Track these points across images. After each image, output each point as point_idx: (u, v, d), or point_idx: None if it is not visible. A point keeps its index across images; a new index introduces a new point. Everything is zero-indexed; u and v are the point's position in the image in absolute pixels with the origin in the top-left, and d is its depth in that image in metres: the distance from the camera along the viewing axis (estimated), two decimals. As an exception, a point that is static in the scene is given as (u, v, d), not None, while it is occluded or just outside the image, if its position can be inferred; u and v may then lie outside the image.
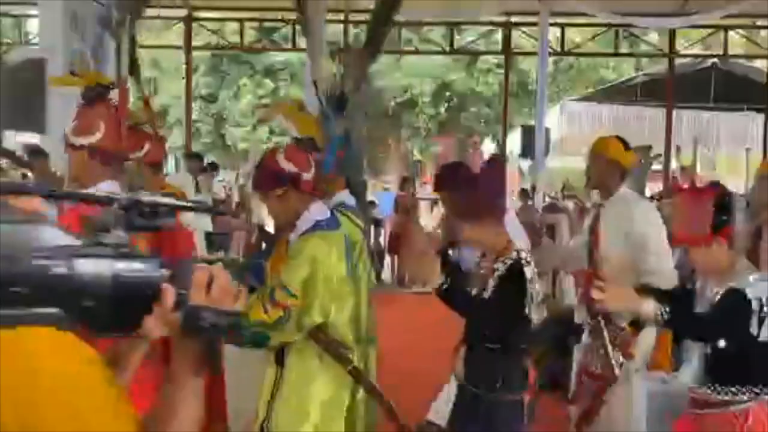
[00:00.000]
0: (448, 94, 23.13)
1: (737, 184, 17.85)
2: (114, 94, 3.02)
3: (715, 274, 2.75)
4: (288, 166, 2.86)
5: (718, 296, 2.67)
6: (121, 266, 1.17)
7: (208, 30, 15.46)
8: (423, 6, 13.21)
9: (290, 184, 2.85)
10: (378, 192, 17.23)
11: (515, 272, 2.96)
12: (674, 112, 14.37)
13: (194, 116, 18.70)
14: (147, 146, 3.55)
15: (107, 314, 1.17)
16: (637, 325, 3.37)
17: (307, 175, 2.89)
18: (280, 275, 2.81)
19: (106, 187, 2.71)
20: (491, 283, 3.00)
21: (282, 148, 3.02)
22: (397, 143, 25.49)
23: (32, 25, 13.90)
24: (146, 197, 1.27)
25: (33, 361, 1.10)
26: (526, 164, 14.57)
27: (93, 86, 2.85)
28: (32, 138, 9.62)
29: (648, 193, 12.96)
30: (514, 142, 14.30)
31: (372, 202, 13.24)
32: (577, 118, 15.36)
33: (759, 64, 15.40)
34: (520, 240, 3.16)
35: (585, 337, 3.74)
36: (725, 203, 2.72)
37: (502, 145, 15.83)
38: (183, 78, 16.98)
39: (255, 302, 2.75)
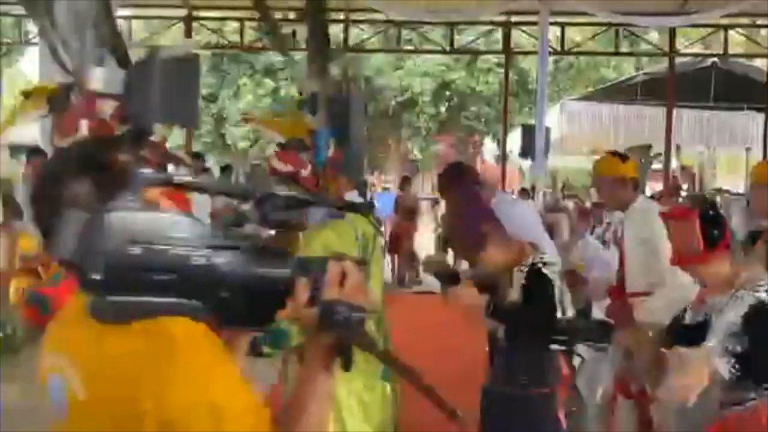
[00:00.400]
0: (448, 93, 23.12)
1: (737, 183, 17.89)
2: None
3: (724, 287, 2.72)
4: (282, 167, 2.92)
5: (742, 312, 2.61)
6: (257, 260, 1.18)
7: (208, 29, 15.45)
8: (423, 5, 13.22)
9: (290, 183, 2.91)
10: (378, 192, 17.26)
11: (535, 276, 3.03)
12: (674, 111, 14.36)
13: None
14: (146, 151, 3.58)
15: (241, 307, 1.17)
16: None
17: (305, 172, 2.95)
18: None
19: None
20: (517, 290, 3.06)
21: (273, 154, 3.11)
22: (397, 143, 25.50)
23: (32, 25, 13.89)
24: (281, 193, 1.28)
25: (172, 346, 1.15)
26: (526, 164, 14.56)
27: (56, 94, 2.84)
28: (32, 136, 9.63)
29: (648, 192, 12.97)
30: (514, 141, 14.29)
31: (372, 203, 13.24)
32: (577, 117, 15.35)
33: (759, 63, 15.41)
34: (529, 232, 3.21)
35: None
36: (712, 218, 2.73)
37: (502, 145, 15.82)
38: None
39: None
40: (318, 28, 9.80)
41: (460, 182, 3.65)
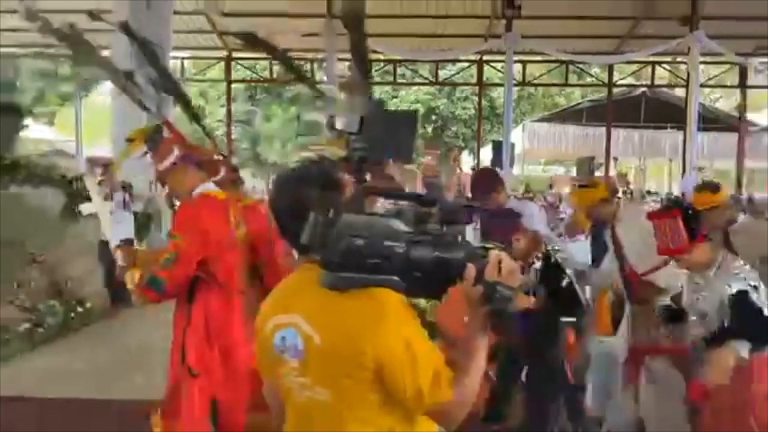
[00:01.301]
0: (433, 117, 23.07)
1: (660, 188, 17.82)
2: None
3: (703, 268, 2.71)
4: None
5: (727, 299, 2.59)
6: (438, 249, 1.30)
7: (245, 67, 15.39)
8: (414, 47, 13.17)
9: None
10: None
11: (551, 265, 2.97)
12: (612, 130, 14.31)
13: (233, 136, 18.63)
14: (222, 171, 3.52)
15: (427, 284, 1.30)
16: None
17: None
18: None
19: (203, 187, 2.70)
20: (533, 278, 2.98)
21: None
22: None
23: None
24: (450, 198, 1.38)
25: (383, 307, 1.32)
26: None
27: (151, 134, 2.84)
28: (106, 152, 9.59)
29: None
30: (486, 154, 14.24)
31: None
32: (536, 135, 15.31)
33: (679, 92, 15.32)
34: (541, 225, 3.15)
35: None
36: (691, 216, 2.69)
37: (477, 158, 15.77)
38: (223, 106, 16.91)
39: None
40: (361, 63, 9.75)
41: (493, 185, 3.55)
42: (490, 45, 12.40)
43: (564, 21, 11.93)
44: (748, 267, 2.65)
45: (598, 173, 15.10)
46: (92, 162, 11.54)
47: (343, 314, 1.33)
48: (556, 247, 3.02)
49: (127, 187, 7.62)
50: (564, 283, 2.93)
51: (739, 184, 14.65)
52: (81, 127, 16.55)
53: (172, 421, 2.63)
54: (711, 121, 13.64)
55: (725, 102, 19.76)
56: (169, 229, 2.74)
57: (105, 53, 10.58)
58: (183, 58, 15.11)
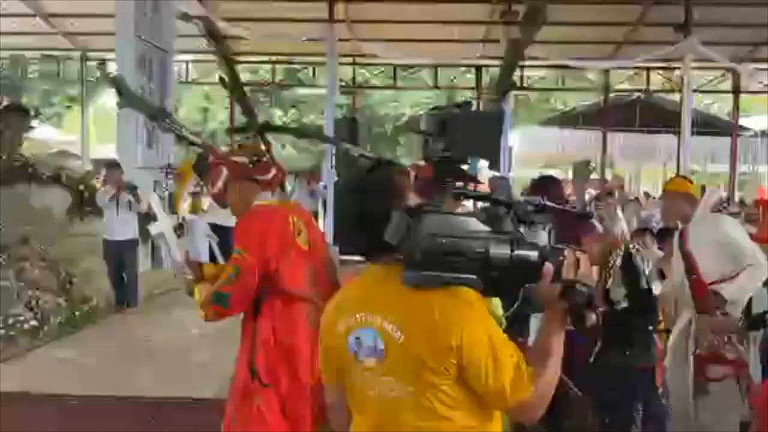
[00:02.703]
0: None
1: (657, 189, 17.82)
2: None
3: None
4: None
5: None
6: (515, 249, 1.31)
7: (248, 70, 15.41)
8: (414, 52, 13.19)
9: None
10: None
11: (631, 264, 2.88)
12: (608, 135, 14.32)
13: (237, 138, 18.63)
14: (273, 171, 3.53)
15: (504, 283, 1.32)
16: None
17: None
18: None
19: (259, 198, 2.70)
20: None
21: None
22: (394, 158, 25.41)
23: (111, 67, 13.83)
24: (527, 200, 1.42)
25: (469, 304, 1.35)
26: (491, 174, 14.49)
27: (197, 162, 2.89)
28: (110, 153, 9.60)
29: (587, 197, 12.89)
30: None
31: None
32: (533, 139, 15.32)
33: (673, 96, 15.33)
34: None
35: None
36: None
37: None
38: (227, 108, 16.91)
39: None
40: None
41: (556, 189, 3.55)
42: (487, 50, 12.42)
43: (561, 26, 11.94)
44: None
45: (594, 176, 15.11)
46: (97, 163, 11.56)
47: (426, 311, 1.34)
48: (636, 246, 2.91)
49: (132, 189, 7.63)
50: (642, 283, 2.83)
51: (731, 189, 14.67)
52: (87, 128, 16.55)
53: None
54: (704, 125, 13.65)
55: (718, 107, 19.76)
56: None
57: (110, 57, 10.53)
58: (187, 62, 15.11)
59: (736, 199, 13.87)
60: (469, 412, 1.39)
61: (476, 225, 1.30)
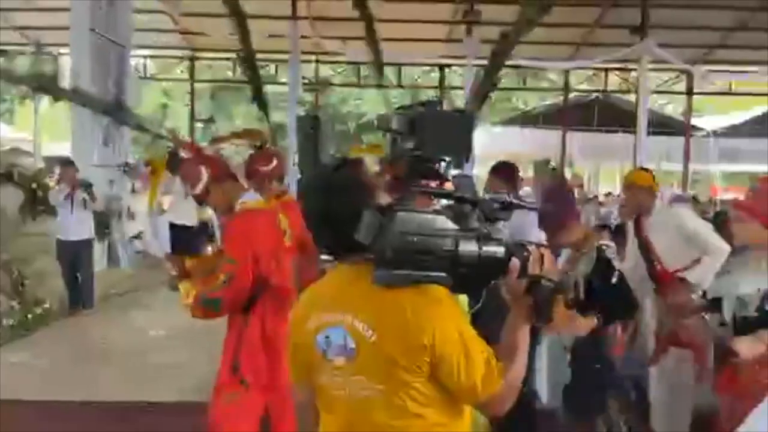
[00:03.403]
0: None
1: (614, 187, 18.25)
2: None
3: None
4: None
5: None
6: (483, 246, 1.32)
7: (208, 66, 15.17)
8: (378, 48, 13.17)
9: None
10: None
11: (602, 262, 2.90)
12: (567, 134, 14.59)
13: (197, 135, 18.34)
14: (275, 161, 3.44)
15: (472, 279, 1.33)
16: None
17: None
18: None
19: (246, 198, 2.67)
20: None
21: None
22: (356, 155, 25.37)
23: (65, 62, 13.44)
24: (492, 197, 1.43)
25: (440, 302, 1.36)
26: (455, 172, 14.59)
27: (169, 161, 2.81)
28: (64, 151, 9.33)
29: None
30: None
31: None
32: (495, 137, 15.48)
33: (630, 97, 15.72)
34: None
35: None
36: None
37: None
38: (187, 105, 16.62)
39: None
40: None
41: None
42: (450, 50, 12.51)
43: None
44: None
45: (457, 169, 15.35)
46: (49, 161, 11.22)
47: (398, 310, 1.34)
48: (606, 244, 2.90)
49: (87, 187, 7.44)
50: (614, 280, 2.88)
51: (685, 186, 15.13)
52: (39, 125, 16.05)
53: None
54: (659, 125, 14.03)
55: (672, 107, 20.34)
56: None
57: (64, 52, 10.22)
58: (146, 57, 14.78)
59: (690, 196, 14.31)
60: (440, 409, 1.40)
61: (444, 223, 1.31)
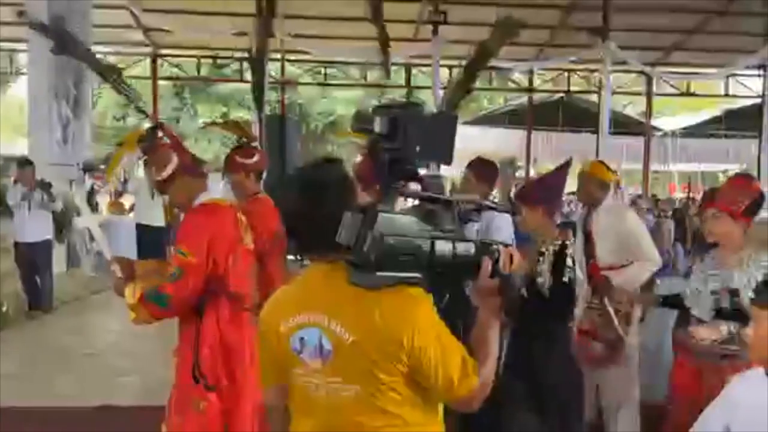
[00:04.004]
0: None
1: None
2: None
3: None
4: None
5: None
6: (456, 246, 1.35)
7: (171, 64, 14.90)
8: (344, 48, 13.15)
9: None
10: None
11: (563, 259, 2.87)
12: (532, 133, 14.80)
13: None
14: (257, 156, 3.34)
15: (445, 279, 1.36)
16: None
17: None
18: None
19: (205, 195, 2.55)
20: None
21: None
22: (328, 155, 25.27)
23: (23, 59, 13.05)
24: (462, 199, 1.48)
25: (416, 301, 1.37)
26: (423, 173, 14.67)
27: (145, 138, 2.65)
28: (20, 150, 9.05)
29: (512, 194, 13.28)
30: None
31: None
32: (461, 137, 15.53)
33: (593, 98, 16.04)
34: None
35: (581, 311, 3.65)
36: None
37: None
38: (144, 103, 16.25)
39: None
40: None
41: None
42: (417, 49, 12.55)
43: (488, 28, 12.22)
44: None
45: (518, 174, 15.59)
46: (6, 161, 10.87)
47: (376, 311, 1.35)
48: (566, 243, 2.91)
49: (45, 187, 7.25)
50: (566, 278, 2.83)
51: (645, 185, 15.51)
52: (-5, 122, 15.55)
53: None
54: (620, 125, 14.34)
55: (633, 108, 20.81)
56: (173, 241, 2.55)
57: (21, 48, 9.94)
58: (105, 53, 14.43)
59: (649, 195, 14.67)
60: (417, 409, 1.41)
61: (420, 224, 1.33)
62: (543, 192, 3.07)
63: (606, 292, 3.46)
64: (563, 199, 3.42)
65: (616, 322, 3.45)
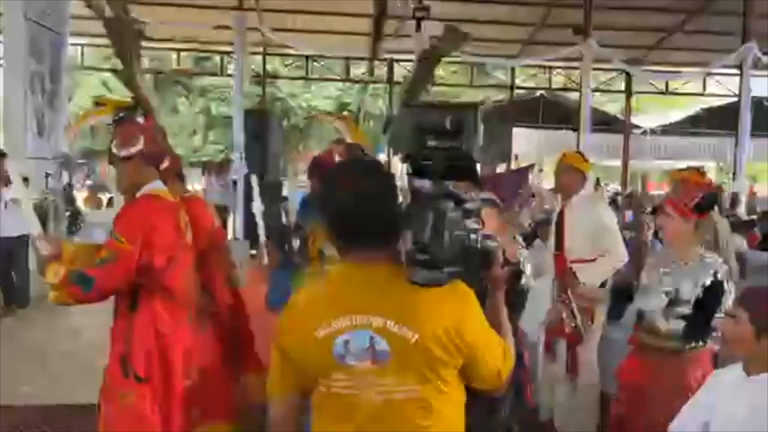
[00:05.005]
0: (344, 112, 23.03)
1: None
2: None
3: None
4: None
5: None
6: (480, 238, 1.41)
7: (150, 57, 14.69)
8: (326, 44, 13.07)
9: None
10: (292, 191, 16.90)
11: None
12: (514, 130, 14.86)
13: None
14: (167, 161, 3.23)
15: (475, 271, 1.43)
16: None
17: None
18: None
19: (153, 186, 2.47)
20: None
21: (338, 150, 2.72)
22: (305, 149, 25.16)
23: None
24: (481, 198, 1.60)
25: (466, 297, 1.43)
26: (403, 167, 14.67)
27: (121, 108, 2.55)
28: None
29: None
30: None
31: (285, 197, 12.95)
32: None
33: (573, 95, 16.16)
34: None
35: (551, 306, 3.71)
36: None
37: (387, 153, 15.89)
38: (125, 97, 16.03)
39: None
40: None
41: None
42: (399, 45, 12.52)
43: (470, 24, 12.24)
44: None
45: (499, 169, 15.65)
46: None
47: (436, 308, 1.37)
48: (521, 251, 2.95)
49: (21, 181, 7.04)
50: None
51: (624, 182, 15.68)
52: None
53: None
54: (600, 123, 14.46)
55: (613, 106, 21.02)
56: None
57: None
58: (82, 45, 14.18)
59: (628, 191, 14.83)
60: (458, 407, 1.46)
61: (471, 222, 1.39)
62: (496, 192, 3.08)
63: (571, 286, 3.49)
64: (519, 200, 3.41)
65: (578, 318, 3.47)
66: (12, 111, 8.07)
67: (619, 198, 11.74)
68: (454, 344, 1.37)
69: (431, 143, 1.43)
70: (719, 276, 2.67)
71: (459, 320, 1.38)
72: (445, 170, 1.41)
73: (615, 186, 16.92)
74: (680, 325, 2.67)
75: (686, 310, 2.68)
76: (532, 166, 3.32)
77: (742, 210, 10.46)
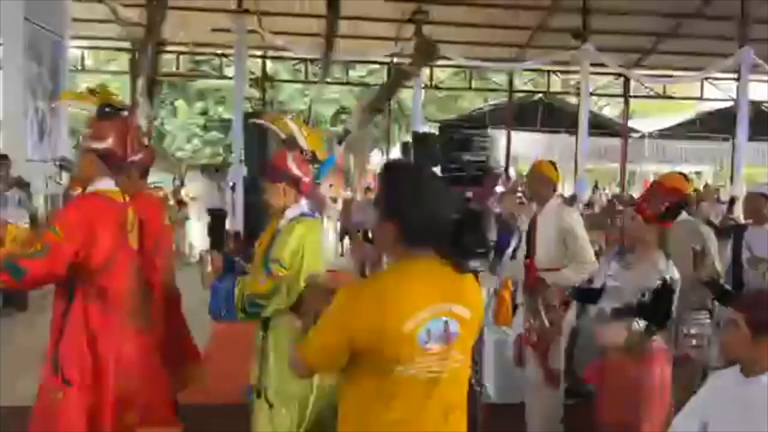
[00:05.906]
0: (344, 116, 23.04)
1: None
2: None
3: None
4: (295, 170, 2.62)
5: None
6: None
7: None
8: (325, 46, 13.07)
9: (292, 183, 2.60)
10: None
11: None
12: (512, 133, 14.89)
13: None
14: (140, 154, 3.23)
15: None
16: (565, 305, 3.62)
17: (306, 179, 2.64)
18: (271, 252, 2.52)
19: (103, 184, 2.47)
20: None
21: (292, 154, 2.74)
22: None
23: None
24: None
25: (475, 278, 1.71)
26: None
27: (106, 103, 2.56)
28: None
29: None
30: (395, 154, 14.40)
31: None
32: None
33: (571, 99, 16.19)
34: None
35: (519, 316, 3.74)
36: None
37: (387, 156, 15.92)
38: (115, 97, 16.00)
39: (249, 278, 2.49)
40: None
41: None
42: (399, 49, 12.54)
43: (469, 28, 12.28)
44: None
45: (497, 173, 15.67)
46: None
47: (475, 289, 1.68)
48: None
49: (23, 185, 7.10)
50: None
51: (622, 185, 15.71)
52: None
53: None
54: (598, 126, 14.50)
55: (611, 109, 21.07)
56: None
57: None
58: (83, 48, 14.20)
59: (626, 194, 14.85)
60: None
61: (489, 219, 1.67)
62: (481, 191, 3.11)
63: (541, 293, 3.50)
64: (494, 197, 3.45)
65: (547, 324, 3.47)
66: (12, 113, 8.08)
67: (616, 201, 11.75)
68: (481, 320, 1.71)
69: (465, 157, 1.64)
70: (668, 281, 2.73)
71: (481, 299, 1.74)
72: (484, 177, 1.60)
73: (612, 189, 16.96)
74: (633, 325, 2.74)
75: (632, 313, 2.75)
76: (497, 176, 3.42)
77: (739, 214, 10.49)
